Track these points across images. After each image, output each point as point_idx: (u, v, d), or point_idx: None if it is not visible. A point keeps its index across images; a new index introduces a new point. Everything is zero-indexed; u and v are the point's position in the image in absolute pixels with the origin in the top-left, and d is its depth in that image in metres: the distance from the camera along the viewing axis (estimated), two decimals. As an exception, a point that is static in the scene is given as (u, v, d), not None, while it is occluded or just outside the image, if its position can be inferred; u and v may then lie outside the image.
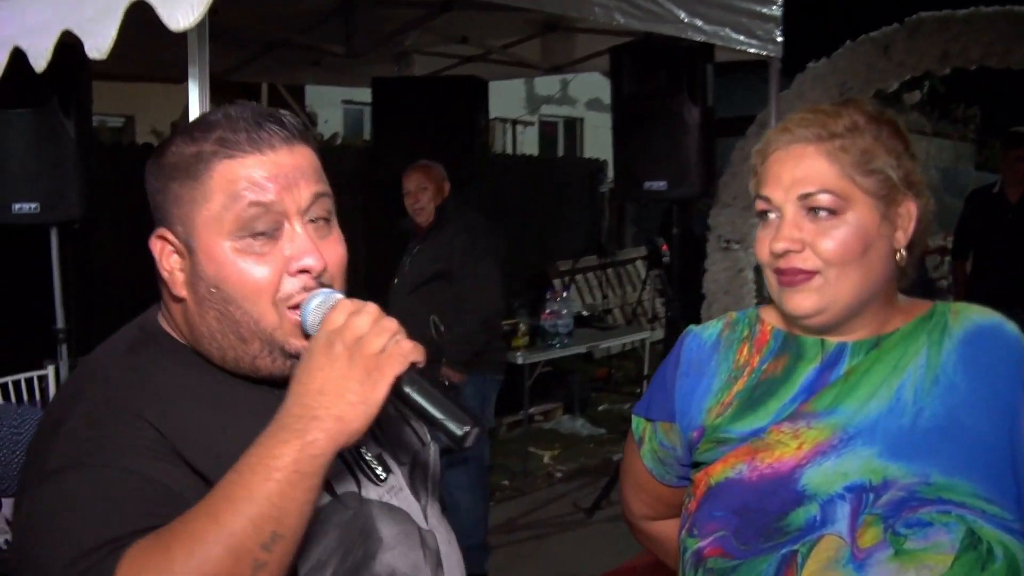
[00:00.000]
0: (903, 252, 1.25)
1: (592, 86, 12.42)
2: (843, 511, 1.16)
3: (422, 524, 1.23)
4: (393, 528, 1.17)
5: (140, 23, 2.03)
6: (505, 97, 13.26)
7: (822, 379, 1.26)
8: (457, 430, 1.01)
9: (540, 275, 7.07)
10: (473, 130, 5.45)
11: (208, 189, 1.08)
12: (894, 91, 5.28)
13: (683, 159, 4.09)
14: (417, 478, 1.27)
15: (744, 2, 4.19)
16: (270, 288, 1.08)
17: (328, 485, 1.10)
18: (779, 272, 1.25)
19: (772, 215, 1.26)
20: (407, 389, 1.02)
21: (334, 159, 7.88)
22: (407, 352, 1.03)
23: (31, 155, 3.79)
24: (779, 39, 4.37)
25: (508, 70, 6.22)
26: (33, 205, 3.83)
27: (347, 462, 1.17)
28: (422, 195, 4.14)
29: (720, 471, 1.27)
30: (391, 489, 1.21)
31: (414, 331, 3.60)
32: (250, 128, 1.08)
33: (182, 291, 1.12)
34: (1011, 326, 1.26)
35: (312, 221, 1.11)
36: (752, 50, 4.31)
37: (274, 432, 0.99)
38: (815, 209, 1.22)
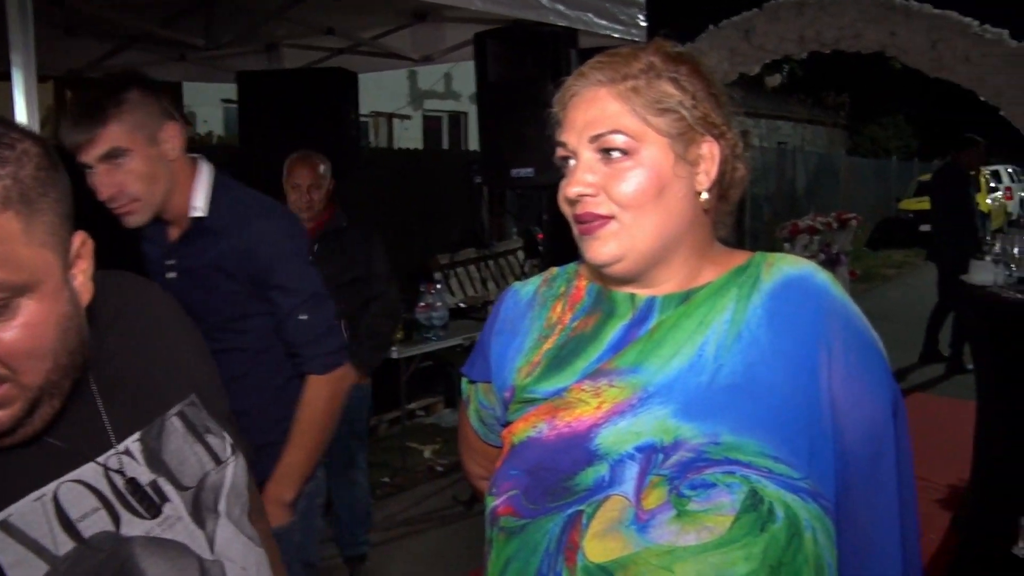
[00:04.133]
0: (707, 195, 1.22)
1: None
2: (631, 472, 1.12)
3: (205, 555, 1.13)
4: (162, 565, 1.07)
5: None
6: (386, 91, 13.20)
7: (629, 335, 1.23)
8: None
9: (421, 268, 7.01)
10: (344, 124, 5.32)
11: None
12: (756, 75, 5.39)
13: (550, 145, 4.05)
14: (204, 503, 1.16)
15: (607, -13, 4.22)
16: None
17: (72, 529, 1.00)
18: (577, 219, 1.22)
19: (571, 162, 1.22)
20: None
21: (209, 158, 7.67)
22: None
23: None
24: (643, 24, 4.41)
25: (380, 62, 6.13)
26: None
27: (105, 498, 1.06)
28: (315, 192, 3.88)
29: (522, 430, 1.23)
30: (165, 520, 1.10)
31: None
32: None
33: None
34: (821, 276, 1.22)
35: None
36: (616, 35, 4.33)
37: None
38: (608, 151, 1.18)
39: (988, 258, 4.18)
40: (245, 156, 5.51)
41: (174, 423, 1.18)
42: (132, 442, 1.12)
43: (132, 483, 1.08)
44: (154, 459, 1.13)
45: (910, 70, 5.41)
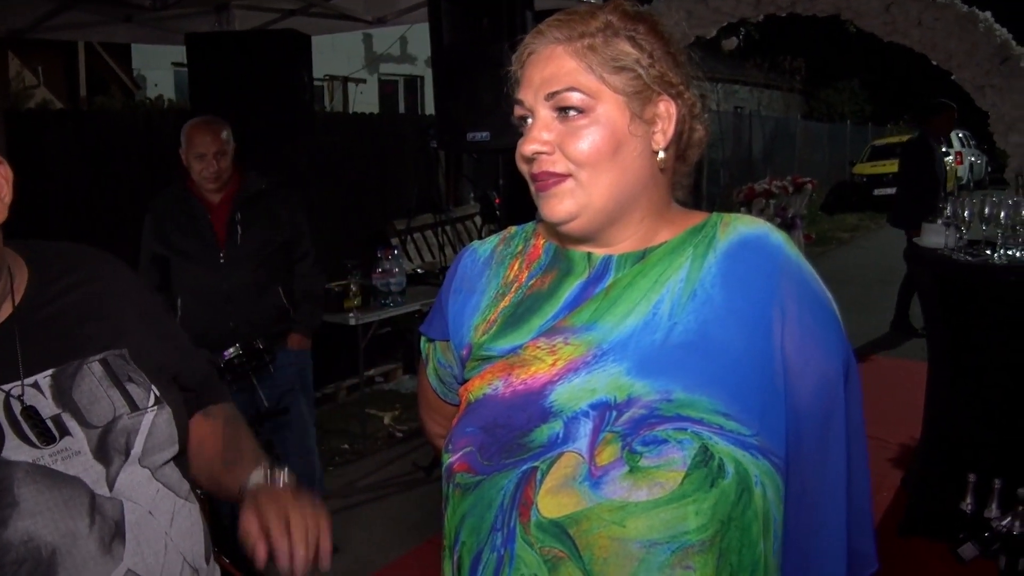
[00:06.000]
0: (663, 154, 1.22)
1: (431, 43, 12.29)
2: (585, 428, 1.14)
3: (101, 491, 1.17)
4: (43, 494, 1.11)
5: None
6: (341, 55, 13.02)
7: (585, 293, 1.24)
8: None
9: (377, 234, 6.95)
10: (297, 88, 5.22)
11: None
12: (713, 38, 5.38)
13: (506, 108, 4.01)
14: (111, 443, 1.20)
15: (544, -51, 4.17)
16: None
17: None
18: (534, 178, 1.22)
19: (528, 120, 1.23)
20: None
21: (157, 123, 7.51)
22: None
23: None
24: (599, -13, 4.38)
25: (333, 23, 6.05)
26: None
27: None
28: (222, 160, 3.70)
29: (478, 387, 1.24)
30: (60, 452, 1.15)
31: (266, 304, 3.52)
32: None
33: None
34: (776, 236, 1.24)
35: None
36: (572, -3, 4.29)
37: None
38: (564, 109, 1.18)
39: (939, 221, 4.23)
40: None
41: (93, 367, 1.24)
42: (42, 377, 1.18)
43: (30, 411, 1.14)
44: (63, 396, 1.19)
45: (865, 34, 5.43)
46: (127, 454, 1.21)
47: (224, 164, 3.71)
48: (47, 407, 1.16)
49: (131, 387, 1.25)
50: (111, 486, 1.18)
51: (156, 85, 12.69)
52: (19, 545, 1.08)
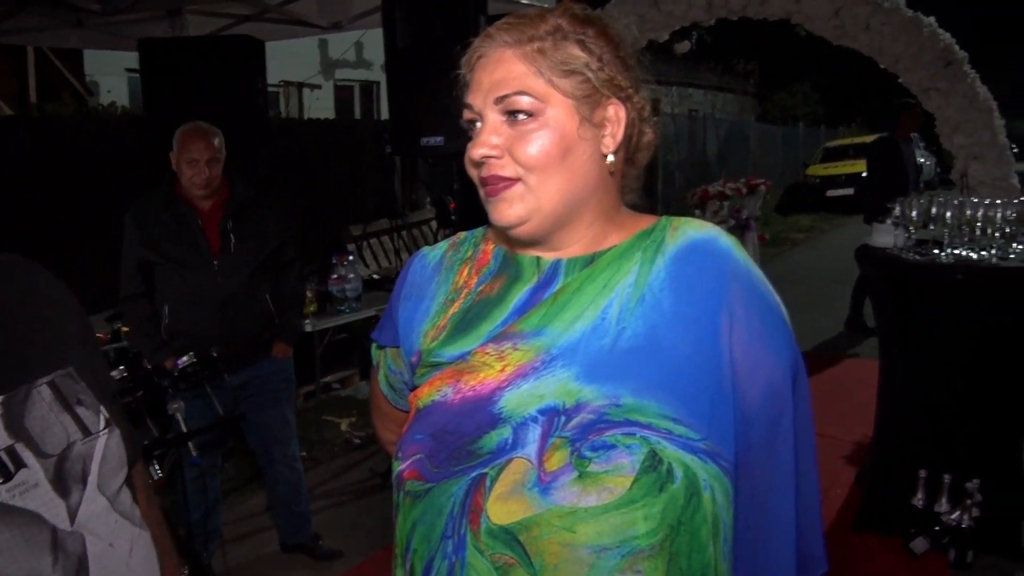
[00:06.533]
0: (612, 157, 1.22)
1: (387, 48, 12.26)
2: (534, 434, 1.13)
3: (62, 525, 1.12)
4: (2, 533, 1.06)
5: None
6: (297, 60, 12.96)
7: (534, 299, 1.23)
8: None
9: (334, 240, 6.93)
10: (252, 93, 5.19)
11: None
12: (665, 41, 5.43)
13: (460, 112, 4.02)
14: (69, 472, 1.15)
15: (514, -46, 4.21)
16: None
17: None
18: (483, 182, 1.21)
19: (477, 124, 1.22)
20: None
21: (112, 130, 7.45)
22: None
23: None
24: (552, -9, 4.42)
25: (288, 29, 6.03)
26: None
27: None
28: (214, 167, 3.66)
29: (427, 394, 1.24)
30: (17, 487, 1.09)
31: (256, 310, 3.54)
32: None
33: None
34: (725, 240, 1.24)
35: None
36: (526, 1, 4.33)
37: None
38: (513, 113, 1.18)
39: (888, 221, 4.30)
40: (150, 127, 5.35)
41: (42, 392, 1.17)
42: None
43: None
44: (15, 424, 1.12)
45: (816, 38, 5.52)
46: (84, 482, 1.16)
47: (216, 171, 3.68)
48: (0, 439, 1.10)
49: (81, 410, 1.20)
50: (72, 519, 1.13)
51: (109, 91, 12.54)
52: None
